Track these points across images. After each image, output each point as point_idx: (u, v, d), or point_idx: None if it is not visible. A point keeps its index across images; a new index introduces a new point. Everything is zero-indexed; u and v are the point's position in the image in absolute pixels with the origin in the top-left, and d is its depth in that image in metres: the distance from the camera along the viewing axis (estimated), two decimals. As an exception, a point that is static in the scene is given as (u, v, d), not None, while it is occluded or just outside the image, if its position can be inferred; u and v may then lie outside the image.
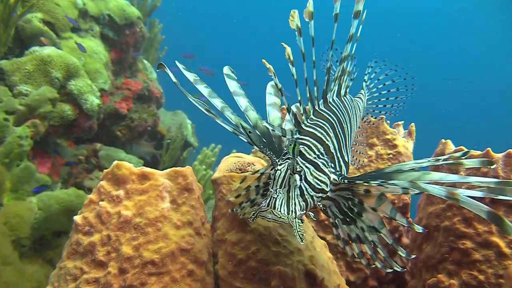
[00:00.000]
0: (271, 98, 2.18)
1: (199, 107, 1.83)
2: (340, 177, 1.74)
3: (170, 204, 2.02)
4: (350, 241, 1.81)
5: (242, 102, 2.01)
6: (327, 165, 1.74)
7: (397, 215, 1.64)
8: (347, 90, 2.24)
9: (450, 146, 2.44)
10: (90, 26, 6.40)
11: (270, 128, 1.60)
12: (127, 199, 1.99)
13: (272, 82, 2.21)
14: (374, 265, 1.79)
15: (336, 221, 1.83)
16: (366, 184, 1.62)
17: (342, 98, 2.13)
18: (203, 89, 1.95)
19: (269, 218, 1.54)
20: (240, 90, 2.06)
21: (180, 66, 1.98)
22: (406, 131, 3.06)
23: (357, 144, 2.42)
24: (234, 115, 1.89)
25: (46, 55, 4.95)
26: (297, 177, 1.58)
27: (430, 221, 2.35)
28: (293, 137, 1.74)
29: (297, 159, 1.65)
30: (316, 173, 1.68)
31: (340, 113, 1.98)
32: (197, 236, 2.05)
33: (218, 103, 1.92)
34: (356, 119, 2.30)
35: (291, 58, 1.58)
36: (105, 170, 2.08)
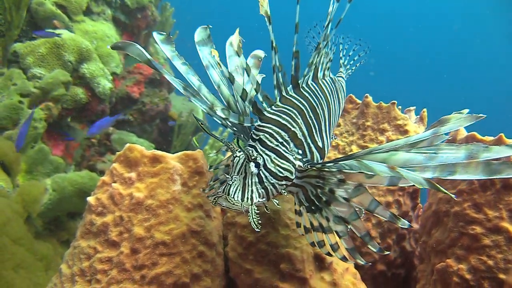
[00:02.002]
0: (232, 61, 2.04)
1: (175, 85, 1.73)
2: (305, 164, 1.69)
3: (181, 186, 2.05)
4: (311, 230, 1.76)
5: (215, 76, 1.91)
6: (292, 152, 1.70)
7: (378, 208, 1.55)
8: (326, 72, 2.15)
9: (462, 132, 2.42)
10: (102, 10, 6.41)
11: (224, 116, 1.59)
12: (139, 181, 2.02)
13: (233, 38, 1.97)
14: (334, 256, 1.75)
15: (301, 209, 1.79)
16: (325, 169, 1.58)
17: (320, 81, 2.04)
18: (180, 66, 1.85)
19: (223, 205, 1.54)
20: (214, 60, 1.91)
21: (157, 38, 1.86)
22: (418, 116, 3.04)
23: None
24: (210, 94, 1.83)
25: (59, 38, 4.98)
26: (252, 164, 1.57)
27: (440, 206, 2.35)
28: (252, 124, 1.70)
29: (256, 146, 1.65)
30: (278, 161, 1.65)
31: (314, 97, 1.90)
32: (207, 219, 2.08)
33: (195, 81, 1.84)
34: (340, 101, 2.21)
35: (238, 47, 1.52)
36: (117, 153, 2.11)
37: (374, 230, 2.76)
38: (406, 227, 1.52)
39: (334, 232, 1.68)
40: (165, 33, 1.89)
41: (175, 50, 1.86)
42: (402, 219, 1.51)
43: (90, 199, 2.00)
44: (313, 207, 1.73)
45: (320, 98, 1.93)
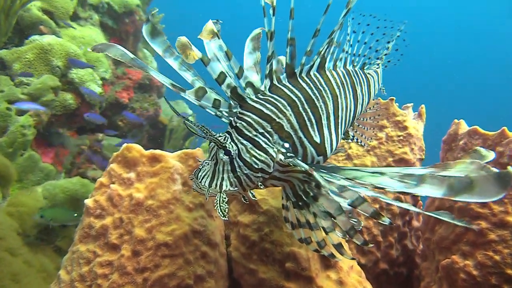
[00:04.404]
0: (248, 58, 1.91)
1: (163, 82, 1.66)
2: (286, 158, 1.61)
3: (181, 186, 1.99)
4: (298, 226, 1.72)
5: (217, 70, 1.79)
6: (274, 145, 1.62)
7: (363, 204, 1.47)
8: (338, 63, 2.02)
9: (464, 126, 2.40)
10: (89, 15, 6.32)
11: (194, 99, 1.60)
12: (138, 182, 1.96)
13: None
14: (322, 253, 1.72)
15: (288, 204, 1.74)
16: (296, 165, 1.55)
17: (328, 73, 1.90)
18: (172, 62, 1.77)
19: (194, 188, 1.56)
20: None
21: (145, 31, 1.78)
22: (416, 113, 3.03)
23: (363, 127, 2.29)
24: (206, 88, 1.73)
25: (46, 43, 4.89)
26: (222, 151, 1.54)
27: (444, 202, 2.32)
28: (231, 111, 1.67)
29: (232, 133, 1.61)
30: (255, 151, 1.58)
31: (314, 89, 1.77)
32: (209, 218, 2.02)
33: (188, 76, 1.76)
34: (357, 96, 2.07)
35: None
36: (114, 153, 2.05)
37: (375, 228, 2.73)
38: (387, 224, 1.46)
39: (321, 228, 1.65)
40: (150, 22, 1.81)
41: (165, 48, 1.79)
42: (385, 216, 1.46)
43: (88, 202, 1.93)
44: (300, 203, 1.69)
45: (322, 90, 1.81)
